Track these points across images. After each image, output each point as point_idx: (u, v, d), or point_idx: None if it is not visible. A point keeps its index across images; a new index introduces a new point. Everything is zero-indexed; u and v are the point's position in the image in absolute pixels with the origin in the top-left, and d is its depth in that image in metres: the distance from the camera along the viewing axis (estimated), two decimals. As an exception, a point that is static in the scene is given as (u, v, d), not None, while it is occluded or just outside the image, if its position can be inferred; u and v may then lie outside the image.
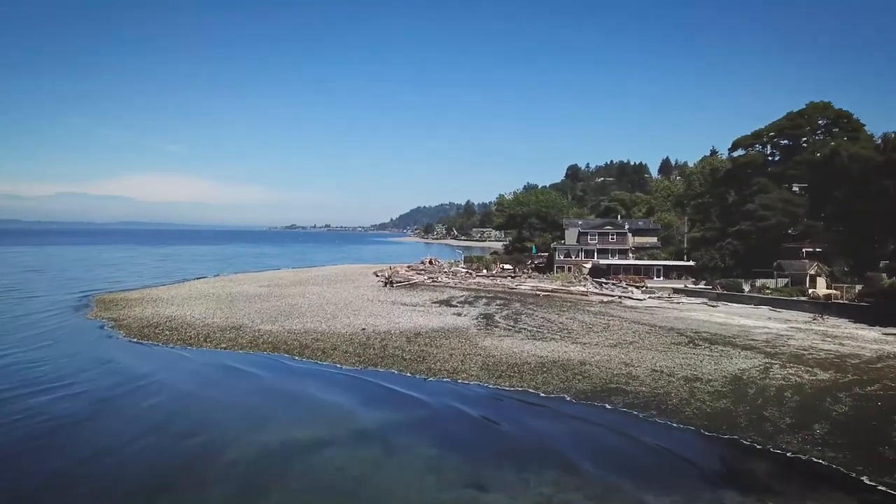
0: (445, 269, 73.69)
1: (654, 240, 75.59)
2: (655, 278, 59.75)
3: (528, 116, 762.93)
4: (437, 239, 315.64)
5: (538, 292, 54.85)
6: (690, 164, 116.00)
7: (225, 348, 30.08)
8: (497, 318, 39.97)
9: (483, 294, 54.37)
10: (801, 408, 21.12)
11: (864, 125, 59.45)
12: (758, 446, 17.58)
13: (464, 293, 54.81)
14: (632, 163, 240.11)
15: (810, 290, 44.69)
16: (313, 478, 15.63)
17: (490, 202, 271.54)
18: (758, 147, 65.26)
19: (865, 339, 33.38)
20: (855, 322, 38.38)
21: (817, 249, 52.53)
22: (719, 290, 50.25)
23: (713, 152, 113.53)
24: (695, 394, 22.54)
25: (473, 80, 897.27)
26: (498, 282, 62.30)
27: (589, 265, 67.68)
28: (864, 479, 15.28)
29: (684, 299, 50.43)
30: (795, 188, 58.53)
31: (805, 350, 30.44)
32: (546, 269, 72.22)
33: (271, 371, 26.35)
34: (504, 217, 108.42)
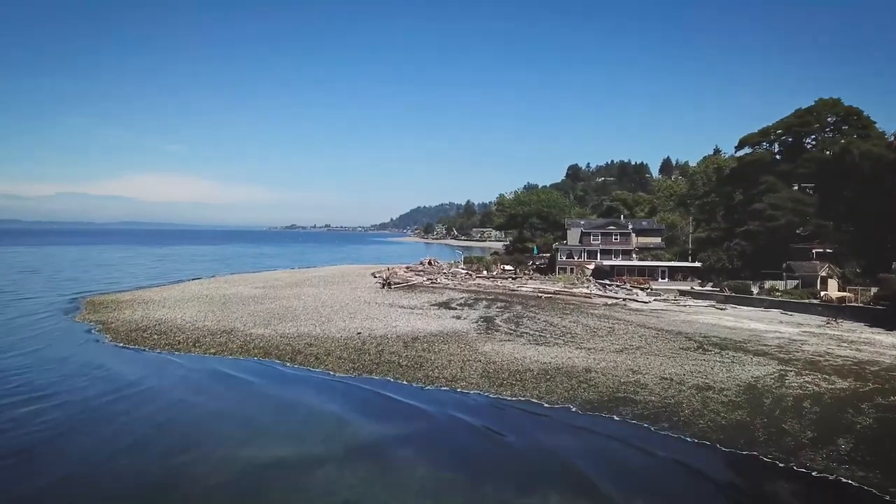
0: (445, 270, 72.38)
1: (657, 240, 74.21)
2: (660, 280, 58.42)
3: (528, 116, 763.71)
4: (437, 239, 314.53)
5: (540, 294, 53.51)
6: (692, 164, 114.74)
7: (214, 353, 28.84)
8: (498, 321, 38.67)
9: (483, 296, 53.05)
10: (822, 420, 19.84)
11: (874, 122, 58.08)
12: (780, 464, 16.29)
13: (463, 295, 53.51)
14: (632, 163, 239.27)
15: (822, 293, 43.26)
16: (300, 500, 14.37)
17: (490, 202, 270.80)
18: (765, 145, 63.83)
19: (884, 345, 31.99)
20: (871, 326, 36.95)
21: (827, 250, 51.11)
22: (727, 293, 48.86)
23: (716, 151, 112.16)
24: (708, 404, 21.25)
25: (473, 80, 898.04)
26: (498, 283, 60.95)
27: (592, 266, 66.37)
28: (901, 502, 14.00)
29: (691, 302, 49.07)
30: (795, 186, 57.00)
31: (821, 356, 29.10)
32: (548, 270, 70.91)
33: (261, 378, 25.17)
34: (505, 217, 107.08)
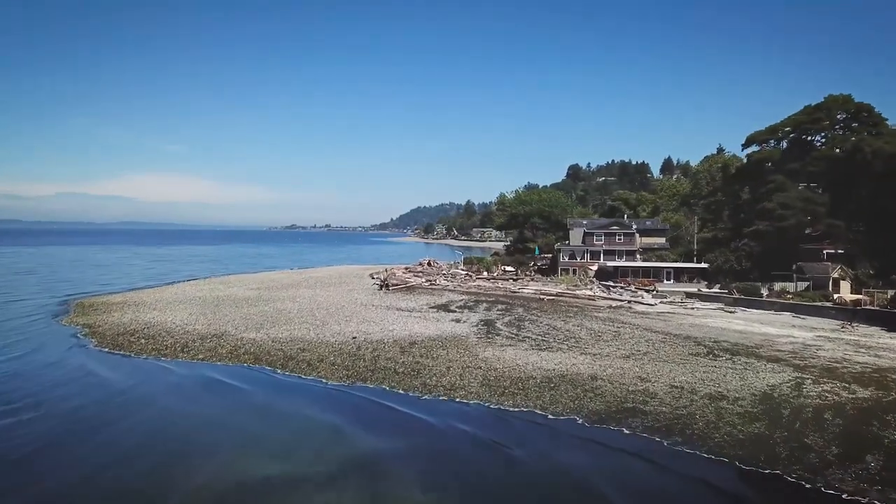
0: (444, 271, 71.04)
1: (662, 240, 72.82)
2: (666, 281, 57.05)
3: (528, 116, 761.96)
4: (437, 239, 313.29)
5: (542, 296, 52.14)
6: (693, 164, 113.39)
7: (202, 359, 27.56)
8: (498, 324, 37.34)
9: (483, 298, 51.70)
10: (847, 434, 18.50)
11: (885, 119, 56.56)
12: (806, 485, 14.94)
13: (463, 297, 52.17)
14: (633, 162, 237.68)
15: (835, 296, 41.81)
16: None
17: (490, 202, 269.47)
18: (773, 143, 62.35)
19: (903, 350, 30.58)
20: (889, 331, 35.42)
21: (839, 251, 49.66)
22: (736, 295, 47.41)
23: (720, 150, 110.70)
24: (722, 415, 19.91)
25: (473, 80, 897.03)
26: (499, 285, 59.59)
27: (595, 267, 65.01)
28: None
29: (699, 304, 47.67)
30: (801, 186, 55.53)
31: (838, 363, 27.70)
32: (550, 271, 69.55)
33: (252, 385, 23.94)
34: (505, 217, 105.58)
